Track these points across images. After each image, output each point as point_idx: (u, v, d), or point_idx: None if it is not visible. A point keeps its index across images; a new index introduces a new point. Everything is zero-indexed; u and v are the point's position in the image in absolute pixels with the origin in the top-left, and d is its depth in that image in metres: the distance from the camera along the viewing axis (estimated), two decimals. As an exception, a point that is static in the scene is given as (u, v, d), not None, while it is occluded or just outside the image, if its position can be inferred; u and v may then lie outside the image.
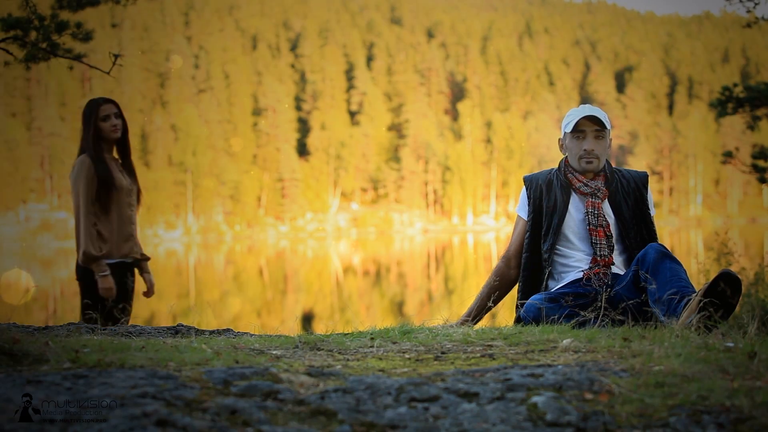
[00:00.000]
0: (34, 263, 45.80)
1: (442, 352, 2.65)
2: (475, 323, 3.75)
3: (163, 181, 64.22)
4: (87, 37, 6.82)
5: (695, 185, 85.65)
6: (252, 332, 3.62)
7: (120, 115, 4.76)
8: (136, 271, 4.92)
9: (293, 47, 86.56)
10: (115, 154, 4.86)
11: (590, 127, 3.75)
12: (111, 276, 4.59)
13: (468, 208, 79.59)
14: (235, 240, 67.67)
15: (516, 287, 3.88)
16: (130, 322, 4.62)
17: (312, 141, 78.44)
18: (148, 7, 76.44)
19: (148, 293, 4.95)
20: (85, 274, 4.66)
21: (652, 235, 3.75)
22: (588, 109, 3.77)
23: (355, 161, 78.63)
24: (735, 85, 11.77)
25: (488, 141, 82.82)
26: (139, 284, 4.94)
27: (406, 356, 2.59)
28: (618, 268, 3.68)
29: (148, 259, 4.93)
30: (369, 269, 44.15)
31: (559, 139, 3.90)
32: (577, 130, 3.76)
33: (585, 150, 3.74)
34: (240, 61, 79.24)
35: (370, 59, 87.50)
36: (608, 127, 3.79)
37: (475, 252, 55.79)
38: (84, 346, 2.51)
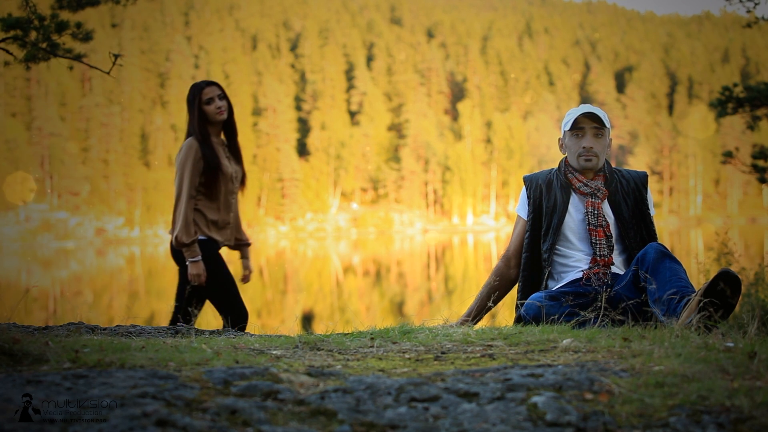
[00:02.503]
0: (34, 263, 45.77)
1: (442, 352, 2.64)
2: (475, 323, 3.75)
3: (163, 181, 64.13)
4: (87, 37, 6.81)
5: (695, 185, 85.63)
6: (252, 332, 3.62)
7: (224, 96, 4.65)
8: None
9: (293, 47, 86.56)
10: (222, 137, 4.77)
11: (589, 125, 3.74)
12: (203, 262, 4.51)
13: (468, 208, 79.57)
14: (235, 240, 67.52)
15: (516, 287, 3.87)
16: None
17: (312, 141, 78.42)
18: (148, 7, 76.48)
19: (244, 279, 4.90)
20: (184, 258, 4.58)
21: (651, 235, 3.74)
22: (587, 107, 3.77)
23: (355, 161, 78.62)
24: (735, 85, 11.77)
25: (488, 141, 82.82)
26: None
27: (406, 356, 2.59)
28: (618, 268, 3.68)
29: (248, 244, 4.88)
30: (369, 269, 44.13)
31: (559, 139, 3.89)
32: (577, 128, 3.75)
33: (584, 147, 3.73)
34: (240, 61, 79.21)
35: (370, 59, 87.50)
36: (607, 125, 3.78)
37: (475, 252, 55.76)
38: (84, 346, 2.51)
